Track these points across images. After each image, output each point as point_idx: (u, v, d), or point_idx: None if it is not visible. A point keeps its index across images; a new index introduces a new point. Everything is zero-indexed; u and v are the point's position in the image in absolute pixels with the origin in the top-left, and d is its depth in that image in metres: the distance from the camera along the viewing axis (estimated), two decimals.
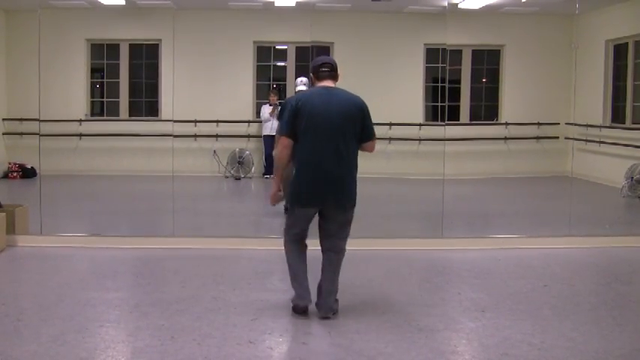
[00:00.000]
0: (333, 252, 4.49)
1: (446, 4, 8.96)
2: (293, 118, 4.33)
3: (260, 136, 11.42)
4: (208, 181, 11.19)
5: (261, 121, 11.39)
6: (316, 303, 4.48)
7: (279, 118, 4.53)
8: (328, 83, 4.46)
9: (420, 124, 11.35)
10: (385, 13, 11.24)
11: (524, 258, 6.15)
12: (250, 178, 11.29)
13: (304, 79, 7.26)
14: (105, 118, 11.86)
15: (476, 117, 11.85)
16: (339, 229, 4.46)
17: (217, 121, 11.35)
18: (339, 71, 4.51)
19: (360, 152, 4.48)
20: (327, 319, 4.38)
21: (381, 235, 6.71)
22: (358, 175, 4.53)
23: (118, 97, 11.70)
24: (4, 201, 6.77)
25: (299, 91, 7.09)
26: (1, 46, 11.15)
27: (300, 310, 4.46)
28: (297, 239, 4.54)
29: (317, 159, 4.32)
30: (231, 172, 11.30)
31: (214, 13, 11.23)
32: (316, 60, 4.52)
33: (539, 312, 4.60)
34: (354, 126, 4.37)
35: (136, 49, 11.68)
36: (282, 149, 4.38)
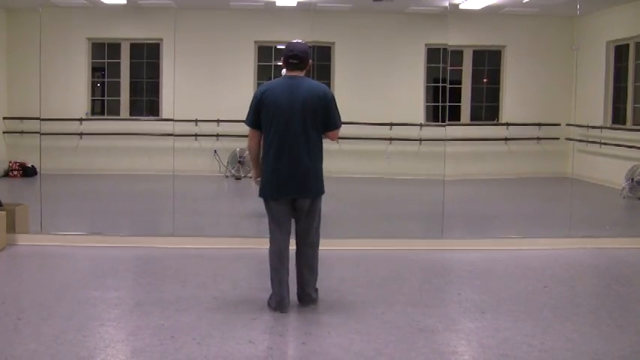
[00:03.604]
0: (305, 245, 4.56)
1: (447, 4, 8.97)
2: (257, 108, 4.46)
3: None
4: (209, 180, 11.19)
5: None
6: (297, 294, 4.59)
7: None
8: (296, 73, 4.48)
9: (421, 125, 11.35)
10: (386, 14, 11.24)
11: (524, 259, 6.15)
12: (251, 177, 11.27)
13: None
14: (106, 117, 11.86)
15: (476, 117, 11.85)
16: (307, 218, 4.51)
17: (218, 121, 11.34)
18: (309, 60, 4.50)
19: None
20: (308, 307, 4.55)
21: (381, 236, 6.71)
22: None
23: (119, 96, 11.70)
24: (5, 200, 6.77)
25: None
26: (2, 45, 11.16)
27: (278, 310, 4.47)
28: (279, 247, 4.49)
29: (280, 149, 4.38)
30: (232, 171, 11.30)
31: (215, 13, 11.24)
32: (287, 48, 4.48)
33: (539, 313, 4.60)
34: (315, 115, 4.40)
35: (137, 48, 11.67)
36: (249, 140, 4.57)
